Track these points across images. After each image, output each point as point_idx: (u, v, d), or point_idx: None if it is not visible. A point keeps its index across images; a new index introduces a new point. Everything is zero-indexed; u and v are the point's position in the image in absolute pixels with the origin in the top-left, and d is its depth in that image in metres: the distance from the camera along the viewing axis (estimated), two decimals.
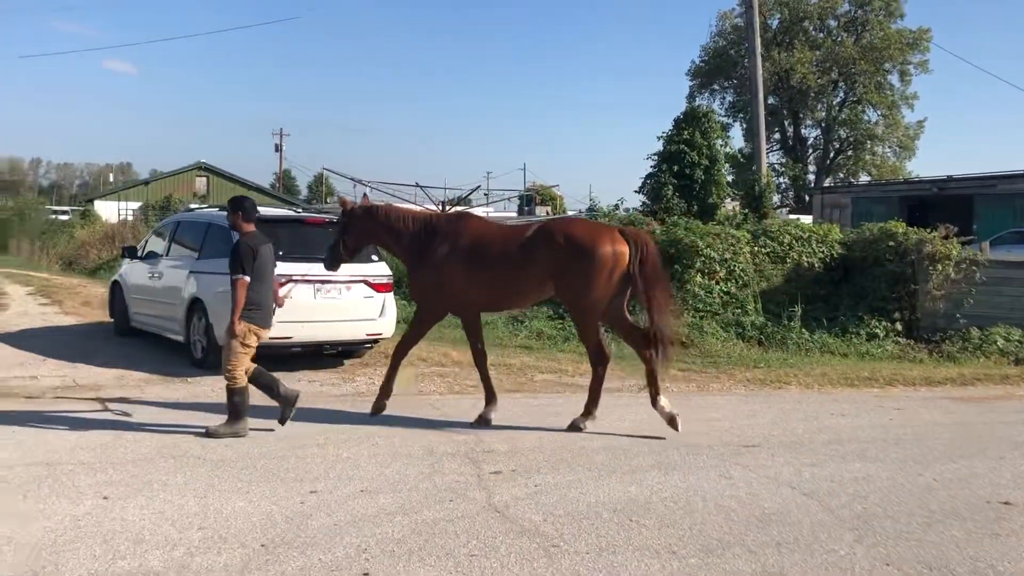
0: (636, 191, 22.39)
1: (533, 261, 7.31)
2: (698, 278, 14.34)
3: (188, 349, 10.61)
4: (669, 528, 5.04)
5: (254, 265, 6.93)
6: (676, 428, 7.23)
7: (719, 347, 12.53)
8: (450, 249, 7.61)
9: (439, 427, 7.49)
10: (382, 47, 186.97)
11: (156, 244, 12.36)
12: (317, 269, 10.07)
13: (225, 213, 11.41)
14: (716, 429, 7.74)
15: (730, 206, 23.02)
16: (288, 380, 9.49)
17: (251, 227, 7.21)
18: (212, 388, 9.02)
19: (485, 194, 58.64)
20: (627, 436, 7.36)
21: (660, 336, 7.31)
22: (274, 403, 7.23)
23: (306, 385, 9.42)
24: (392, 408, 7.93)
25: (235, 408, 6.98)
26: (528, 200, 56.83)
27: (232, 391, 6.97)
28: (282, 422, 7.15)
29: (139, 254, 12.54)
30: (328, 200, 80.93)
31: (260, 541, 4.64)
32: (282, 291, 7.90)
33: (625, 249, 7.22)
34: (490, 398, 7.78)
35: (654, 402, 7.38)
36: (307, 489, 5.56)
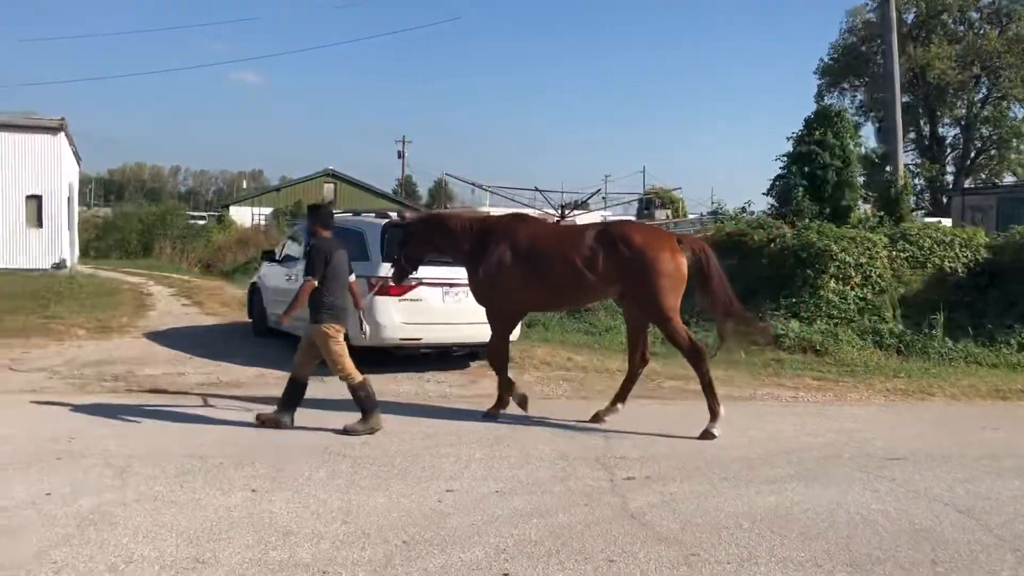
0: (764, 193, 21.77)
1: (593, 265, 7.42)
2: (832, 283, 13.85)
3: None
4: (813, 541, 4.86)
5: (326, 269, 7.20)
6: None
7: (855, 355, 12.03)
8: (507, 250, 7.78)
9: (568, 431, 7.48)
10: (499, 52, 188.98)
11: (293, 248, 12.82)
12: (445, 272, 10.26)
13: (359, 218, 11.91)
14: (856, 440, 7.42)
15: (863, 209, 22.13)
16: (416, 381, 9.77)
17: (327, 233, 7.48)
18: (345, 387, 9.28)
19: (603, 197, 58.29)
20: (761, 445, 7.15)
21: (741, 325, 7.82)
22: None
23: (435, 386, 9.60)
24: (519, 411, 7.99)
25: (363, 404, 7.19)
26: (647, 203, 56.22)
27: (353, 388, 7.20)
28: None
29: (277, 258, 13.04)
30: (448, 205, 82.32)
31: (401, 537, 4.74)
32: (364, 301, 8.19)
33: (682, 257, 7.43)
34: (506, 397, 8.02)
35: (613, 403, 7.86)
36: (443, 488, 5.65)
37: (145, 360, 10.85)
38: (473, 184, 33.92)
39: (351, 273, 7.68)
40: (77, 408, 7.81)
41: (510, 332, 8.32)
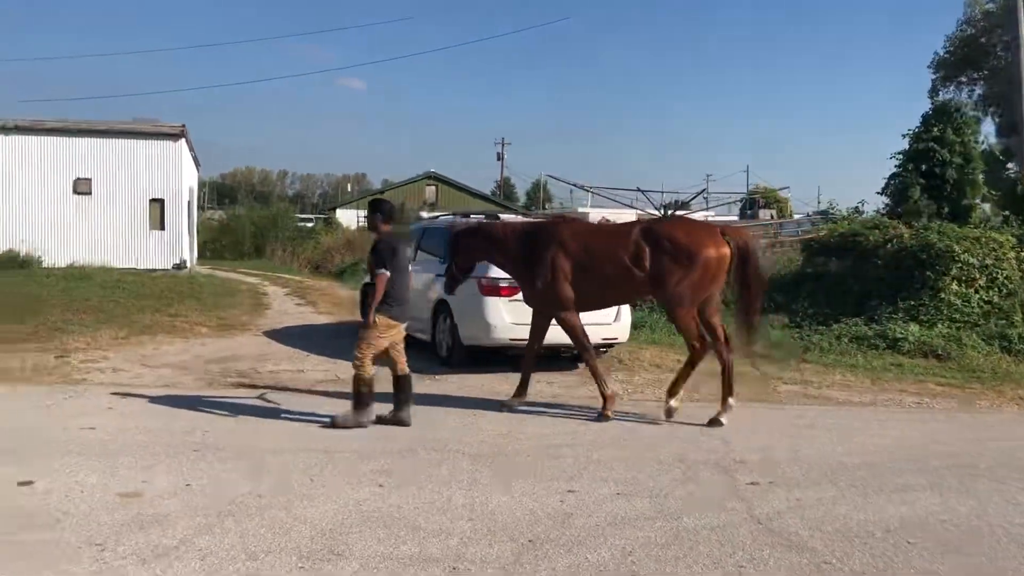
0: (879, 192, 21.07)
1: (639, 261, 7.63)
2: (954, 286, 13.28)
3: (434, 348, 11.16)
4: (954, 554, 4.67)
5: (394, 263, 7.26)
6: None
7: (981, 361, 11.48)
8: (558, 251, 7.93)
9: (684, 434, 7.39)
10: (593, 53, 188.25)
11: None
12: None
13: (467, 220, 12.05)
14: (992, 450, 7.09)
15: (983, 208, 21.14)
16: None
17: (388, 228, 7.55)
18: (458, 385, 9.44)
19: (704, 197, 57.28)
20: (887, 452, 6.91)
21: (748, 332, 7.93)
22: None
23: (545, 387, 9.62)
24: (632, 413, 7.99)
25: (360, 397, 7.24)
26: (751, 203, 55.04)
27: (358, 380, 7.23)
28: (381, 420, 7.37)
29: None
30: (546, 206, 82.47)
31: (527, 536, 4.78)
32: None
33: (727, 251, 7.59)
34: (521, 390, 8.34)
35: (724, 402, 7.73)
36: (564, 488, 5.66)
37: (266, 357, 11.25)
38: (574, 184, 33.97)
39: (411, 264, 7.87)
40: (208, 403, 8.17)
41: (581, 331, 8.26)
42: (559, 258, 7.93)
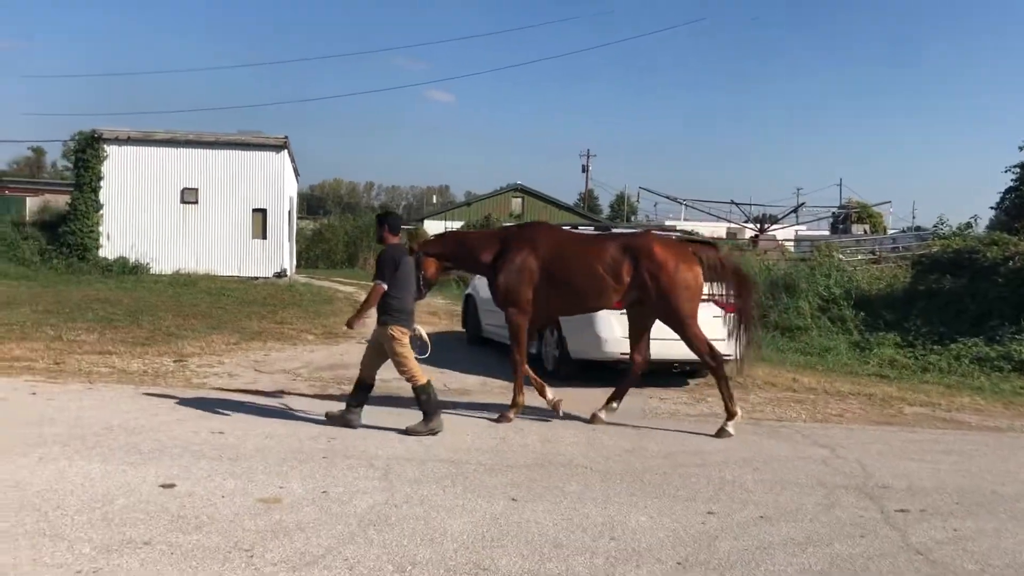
0: (993, 207, 20.16)
1: (616, 274, 7.90)
2: None
3: (539, 360, 11.07)
4: None
5: (395, 274, 7.32)
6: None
7: None
8: (530, 256, 8.06)
9: (817, 456, 7.10)
10: (678, 65, 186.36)
11: None
12: None
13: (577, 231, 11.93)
14: None
15: None
16: (639, 398, 9.62)
17: (395, 239, 7.65)
18: (570, 399, 9.29)
19: (794, 212, 56.03)
20: None
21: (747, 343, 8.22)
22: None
23: (659, 403, 9.43)
24: (757, 433, 7.74)
25: (425, 406, 7.33)
26: (844, 218, 53.52)
27: (416, 390, 7.36)
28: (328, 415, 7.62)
29: None
30: (631, 219, 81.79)
31: (674, 559, 4.61)
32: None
33: (698, 268, 7.97)
34: (545, 391, 8.30)
35: (607, 403, 8.19)
36: (703, 509, 5.48)
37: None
38: (667, 197, 33.48)
39: (420, 276, 7.93)
40: (326, 409, 8.24)
41: (526, 338, 8.36)
42: (532, 263, 8.04)
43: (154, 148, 23.90)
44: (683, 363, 10.46)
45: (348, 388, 9.76)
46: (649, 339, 8.45)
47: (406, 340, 7.43)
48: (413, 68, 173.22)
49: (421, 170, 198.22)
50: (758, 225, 31.99)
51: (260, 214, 24.67)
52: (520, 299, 8.14)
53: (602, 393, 9.68)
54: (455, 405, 8.85)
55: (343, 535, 4.80)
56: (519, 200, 62.66)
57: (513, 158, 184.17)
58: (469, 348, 13.37)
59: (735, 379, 8.69)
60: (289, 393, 9.21)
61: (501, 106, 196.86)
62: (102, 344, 11.87)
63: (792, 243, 35.40)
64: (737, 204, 35.60)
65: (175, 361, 10.94)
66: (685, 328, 7.93)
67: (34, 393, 8.47)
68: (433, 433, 7.26)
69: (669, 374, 10.71)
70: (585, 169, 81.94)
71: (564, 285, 8.05)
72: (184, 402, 8.32)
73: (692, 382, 10.88)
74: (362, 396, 7.67)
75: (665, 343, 10.00)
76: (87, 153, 23.31)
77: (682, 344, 10.08)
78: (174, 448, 6.57)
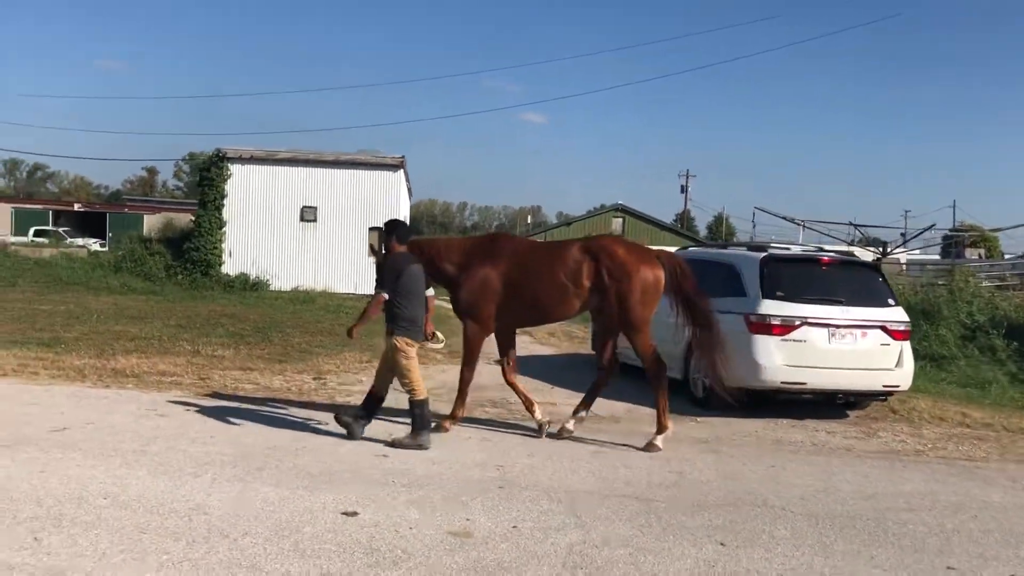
0: None
1: (577, 279, 7.75)
2: None
3: (686, 386, 10.54)
4: None
5: (397, 283, 7.18)
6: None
7: None
8: (491, 268, 7.90)
9: None
10: (778, 82, 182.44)
11: None
12: (832, 312, 9.47)
13: (728, 251, 11.40)
14: None
15: None
16: (802, 429, 9.02)
17: (402, 248, 7.52)
18: (729, 430, 8.80)
19: (902, 234, 53.83)
20: None
21: (710, 354, 8.19)
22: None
23: (827, 436, 8.81)
24: (954, 475, 7.09)
25: (417, 420, 7.22)
26: (954, 242, 51.01)
27: (413, 403, 7.22)
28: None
29: None
30: (731, 238, 79.98)
31: None
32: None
33: (661, 273, 7.86)
34: (534, 407, 8.27)
35: (575, 413, 8.25)
36: (940, 564, 4.90)
37: (508, 388, 10.99)
38: (784, 218, 32.39)
39: (428, 288, 7.71)
40: (481, 436, 7.94)
41: (478, 352, 8.27)
42: (491, 274, 7.91)
43: (276, 167, 24.32)
44: (847, 393, 9.82)
45: (491, 410, 9.52)
46: (615, 345, 8.38)
47: (412, 352, 7.29)
48: (508, 90, 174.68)
49: (514, 191, 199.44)
50: (880, 248, 30.54)
51: (376, 232, 24.73)
52: (481, 315, 8.01)
53: (761, 424, 9.16)
54: (613, 435, 8.41)
55: None
56: (619, 220, 62.09)
57: (607, 179, 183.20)
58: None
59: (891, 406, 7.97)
60: (436, 415, 8.93)
61: (596, 127, 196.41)
62: (240, 360, 11.90)
63: (903, 268, 33.73)
64: (855, 225, 34.09)
65: (314, 379, 10.86)
66: (637, 331, 7.85)
67: (188, 410, 8.44)
68: (420, 448, 7.12)
69: (831, 405, 10.05)
70: (684, 189, 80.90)
71: (527, 296, 7.91)
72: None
73: (852, 414, 10.17)
74: (371, 408, 7.53)
75: (834, 372, 9.39)
76: (212, 172, 23.89)
77: (851, 373, 9.48)
78: (343, 472, 6.35)
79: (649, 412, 9.63)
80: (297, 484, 5.95)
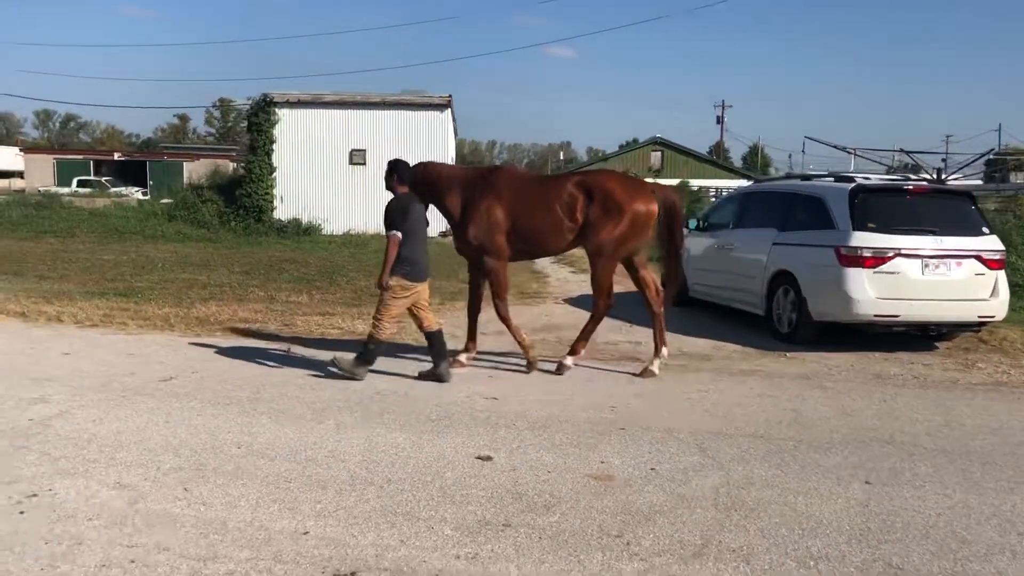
0: None
1: (572, 213, 7.77)
2: None
3: (766, 322, 10.42)
4: None
5: (405, 224, 7.20)
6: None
7: None
8: (494, 201, 7.92)
9: None
10: (812, 10, 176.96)
11: (721, 216, 12.40)
12: (924, 243, 9.24)
13: (814, 183, 11.10)
14: None
15: None
16: (896, 363, 8.87)
17: (405, 189, 7.51)
18: (822, 365, 8.68)
19: (943, 159, 52.48)
20: None
21: (675, 281, 8.49)
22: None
23: (924, 369, 8.65)
24: None
25: (366, 354, 7.32)
26: (998, 166, 49.74)
27: (370, 338, 7.30)
28: (418, 376, 7.58)
29: (699, 226, 12.67)
30: (771, 170, 78.68)
31: None
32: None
33: (655, 207, 7.89)
34: (470, 343, 8.44)
35: (657, 349, 8.22)
36: None
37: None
38: (835, 147, 31.58)
39: (428, 225, 7.71)
40: (580, 375, 7.92)
41: (506, 283, 8.32)
42: (494, 207, 7.92)
43: (323, 110, 24.14)
44: (941, 325, 9.63)
45: (590, 351, 9.43)
46: (650, 269, 8.46)
47: (401, 295, 7.29)
48: (533, 25, 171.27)
49: (543, 128, 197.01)
50: (938, 175, 29.72)
51: None
52: (494, 247, 8.03)
53: (854, 358, 9.03)
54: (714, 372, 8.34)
55: (710, 522, 4.38)
56: (658, 153, 61.24)
57: (638, 112, 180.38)
58: (678, 310, 12.72)
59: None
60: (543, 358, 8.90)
61: (623, 61, 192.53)
62: (317, 306, 11.95)
63: None
64: (907, 152, 33.18)
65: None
66: (606, 260, 7.89)
67: (284, 356, 8.49)
68: (354, 377, 7.28)
69: (919, 337, 9.88)
70: (720, 120, 79.41)
71: (524, 228, 7.97)
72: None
73: (940, 345, 9.99)
74: (437, 345, 7.56)
75: (928, 304, 9.20)
76: (259, 117, 23.77)
77: (945, 304, 9.27)
78: (461, 415, 6.36)
79: (734, 349, 9.58)
80: (422, 429, 5.96)
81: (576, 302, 13.46)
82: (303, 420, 6.15)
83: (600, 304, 8.10)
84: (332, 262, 18.05)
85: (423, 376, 7.54)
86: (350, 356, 7.45)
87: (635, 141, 77.24)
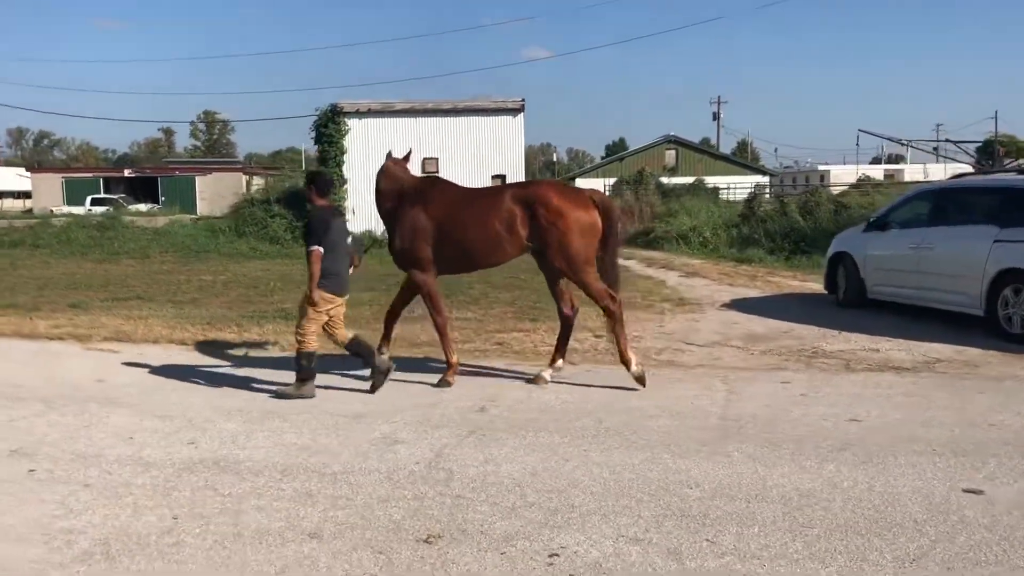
0: None
1: (511, 226, 7.64)
2: None
3: (988, 323, 10.05)
4: None
5: (327, 238, 7.18)
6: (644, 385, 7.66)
7: None
8: (421, 213, 7.84)
9: None
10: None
11: (906, 214, 12.08)
12: None
13: (999, 177, 10.79)
14: None
15: None
16: None
17: (323, 201, 7.51)
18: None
19: (934, 148, 52.59)
20: None
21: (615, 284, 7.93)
22: None
23: None
24: None
25: (303, 371, 7.31)
26: (989, 152, 49.76)
27: (300, 354, 7.30)
28: (372, 390, 7.50)
29: (878, 225, 12.36)
30: (757, 164, 78.26)
31: None
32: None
33: (595, 213, 7.71)
34: (383, 345, 8.20)
35: (552, 361, 8.16)
36: None
37: (792, 333, 10.54)
38: (890, 139, 31.46)
39: (349, 237, 7.67)
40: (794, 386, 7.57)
41: (438, 296, 8.14)
42: (420, 218, 7.84)
43: (393, 119, 23.64)
44: None
45: (809, 360, 9.02)
46: (569, 289, 8.22)
47: (323, 307, 7.29)
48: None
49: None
50: (989, 161, 29.70)
51: (499, 180, 24.17)
52: (419, 259, 7.92)
53: None
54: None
55: None
56: (673, 152, 61.01)
57: (615, 113, 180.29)
58: (862, 311, 12.30)
59: None
60: (740, 370, 8.48)
61: (610, 62, 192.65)
62: (500, 322, 11.44)
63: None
64: (954, 142, 33.17)
65: (595, 336, 10.37)
66: (581, 272, 7.72)
67: (549, 378, 8.01)
68: (304, 397, 7.26)
69: None
70: (716, 116, 79.66)
71: (458, 242, 7.82)
72: (721, 380, 7.74)
73: None
74: (363, 350, 7.57)
75: None
76: (329, 128, 23.24)
77: None
78: (805, 438, 5.96)
79: (996, 355, 9.14)
80: (793, 457, 5.52)
81: (740, 306, 13.07)
82: (681, 450, 5.71)
83: (610, 307, 7.79)
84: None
85: (374, 388, 7.52)
86: (289, 384, 7.44)
87: (621, 141, 76.37)
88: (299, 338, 7.34)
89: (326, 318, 7.39)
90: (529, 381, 7.95)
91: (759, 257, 21.04)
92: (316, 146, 24.50)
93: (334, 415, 6.81)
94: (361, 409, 7.02)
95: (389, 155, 8.65)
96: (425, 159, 24.00)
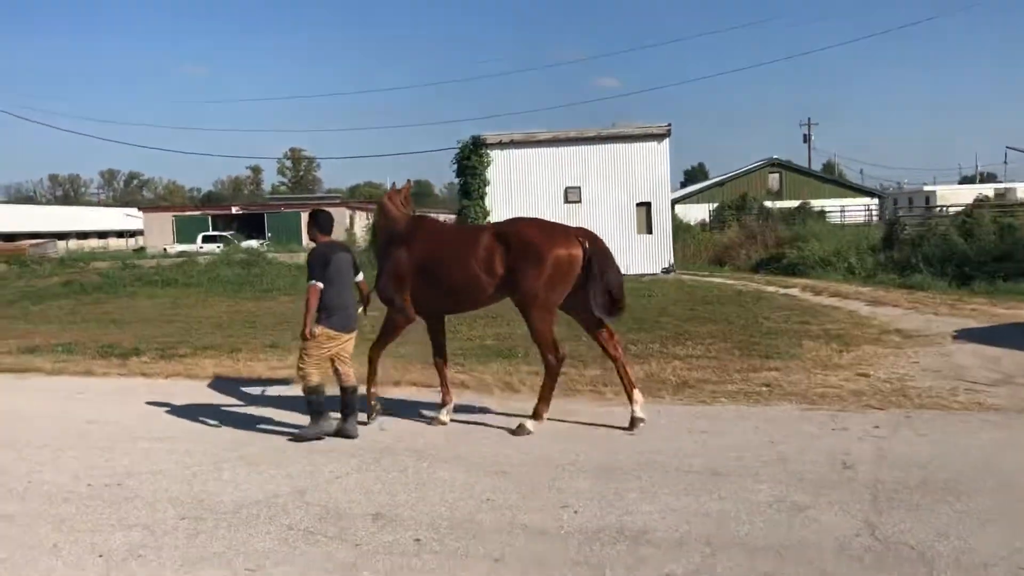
0: None
1: (490, 267, 7.41)
2: None
3: None
4: None
5: (327, 272, 7.20)
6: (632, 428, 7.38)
7: None
8: (405, 253, 7.75)
9: None
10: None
11: None
12: None
13: None
14: None
15: None
16: None
17: (325, 238, 7.58)
18: None
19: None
20: None
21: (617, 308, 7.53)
22: None
23: None
24: None
25: (312, 407, 7.36)
26: None
27: (307, 390, 7.35)
28: (296, 438, 7.41)
29: None
30: (865, 187, 75.97)
31: None
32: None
33: (577, 251, 7.35)
34: (445, 395, 8.03)
35: (631, 398, 7.56)
36: None
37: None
38: None
39: (358, 273, 7.65)
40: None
41: (391, 337, 8.08)
42: (403, 260, 7.75)
43: (535, 149, 23.39)
44: None
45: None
46: (610, 327, 7.74)
47: (325, 344, 7.31)
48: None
49: None
50: None
51: (644, 208, 23.65)
52: (396, 301, 7.82)
53: None
54: None
55: None
56: (776, 175, 59.65)
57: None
58: None
59: None
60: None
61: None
62: (716, 361, 10.80)
63: None
64: None
65: (858, 374, 9.64)
66: (540, 312, 7.33)
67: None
68: (319, 437, 7.32)
69: None
70: (807, 139, 78.22)
71: (442, 283, 7.66)
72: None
73: None
74: (350, 401, 7.53)
75: None
76: (472, 160, 23.13)
77: None
78: None
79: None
80: None
81: (974, 336, 12.14)
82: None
83: (550, 359, 7.44)
84: None
85: (337, 432, 7.41)
86: (304, 426, 7.48)
87: (700, 166, 74.10)
88: (300, 375, 7.44)
89: (328, 353, 7.40)
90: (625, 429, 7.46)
91: (927, 283, 19.93)
92: (458, 178, 24.38)
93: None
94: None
95: (393, 186, 8.76)
96: (568, 188, 23.66)
